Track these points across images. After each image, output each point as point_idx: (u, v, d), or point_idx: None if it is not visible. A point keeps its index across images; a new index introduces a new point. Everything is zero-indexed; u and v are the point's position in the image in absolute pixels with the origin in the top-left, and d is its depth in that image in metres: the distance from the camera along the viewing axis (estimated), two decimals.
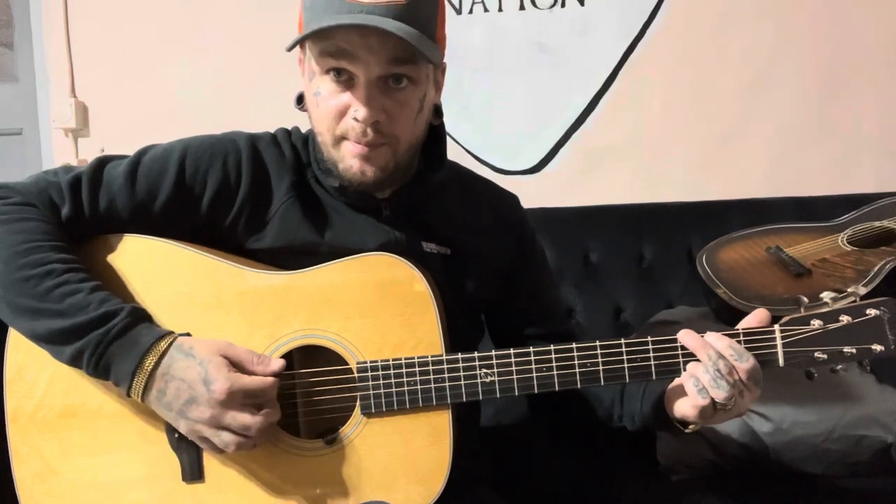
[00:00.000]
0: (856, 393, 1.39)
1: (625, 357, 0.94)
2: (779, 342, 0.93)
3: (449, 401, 0.94)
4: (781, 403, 1.37)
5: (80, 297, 0.87)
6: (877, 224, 1.57)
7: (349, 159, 0.96)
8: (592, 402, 1.12)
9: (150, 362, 0.87)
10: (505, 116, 2.15)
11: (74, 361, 0.88)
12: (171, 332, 0.90)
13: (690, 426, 0.97)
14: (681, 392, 0.94)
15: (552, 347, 0.94)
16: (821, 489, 1.35)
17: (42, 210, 0.93)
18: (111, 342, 0.86)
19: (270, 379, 0.90)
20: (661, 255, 1.85)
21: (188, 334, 0.93)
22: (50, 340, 0.88)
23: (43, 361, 0.92)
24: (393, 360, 0.93)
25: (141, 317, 0.90)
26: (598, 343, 0.94)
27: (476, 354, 0.94)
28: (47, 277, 0.87)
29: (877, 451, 1.35)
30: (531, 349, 0.94)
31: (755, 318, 0.95)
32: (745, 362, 0.89)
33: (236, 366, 0.89)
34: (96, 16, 2.23)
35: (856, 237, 1.55)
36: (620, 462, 1.42)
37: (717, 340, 0.91)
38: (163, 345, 0.88)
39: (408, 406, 0.93)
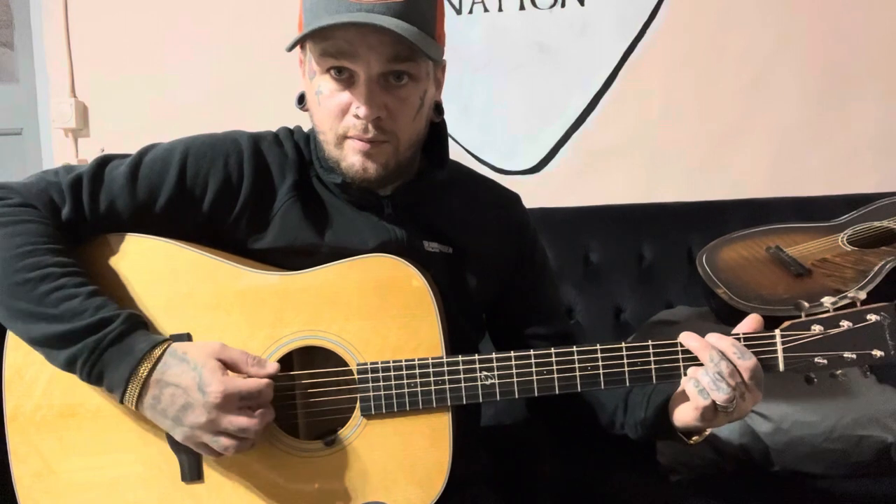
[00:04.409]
0: (856, 393, 1.39)
1: (625, 360, 0.94)
2: (779, 347, 0.93)
3: (449, 403, 0.93)
4: (781, 403, 1.37)
5: (76, 303, 0.86)
6: (877, 224, 1.57)
7: (351, 157, 0.96)
8: (595, 408, 1.11)
9: (144, 369, 0.86)
10: (505, 116, 2.15)
11: (69, 367, 0.87)
12: (166, 339, 0.90)
13: (694, 437, 0.96)
14: (683, 398, 0.94)
15: (552, 350, 0.94)
16: (821, 489, 1.35)
17: (42, 211, 0.92)
18: (105, 349, 0.85)
19: (266, 381, 0.89)
20: (661, 255, 1.85)
21: (188, 335, 0.93)
22: (45, 344, 0.88)
23: (42, 361, 0.91)
24: (393, 361, 0.93)
25: (137, 323, 0.89)
26: (598, 346, 0.94)
27: (476, 357, 0.94)
28: (44, 281, 0.87)
29: (877, 451, 1.35)
30: (531, 352, 0.94)
31: (748, 324, 0.95)
32: (747, 360, 0.89)
33: (231, 368, 0.89)
34: (96, 16, 2.23)
35: (856, 237, 1.55)
36: (620, 462, 1.42)
37: (719, 340, 0.91)
38: (158, 352, 0.87)
39: (408, 408, 0.93)
